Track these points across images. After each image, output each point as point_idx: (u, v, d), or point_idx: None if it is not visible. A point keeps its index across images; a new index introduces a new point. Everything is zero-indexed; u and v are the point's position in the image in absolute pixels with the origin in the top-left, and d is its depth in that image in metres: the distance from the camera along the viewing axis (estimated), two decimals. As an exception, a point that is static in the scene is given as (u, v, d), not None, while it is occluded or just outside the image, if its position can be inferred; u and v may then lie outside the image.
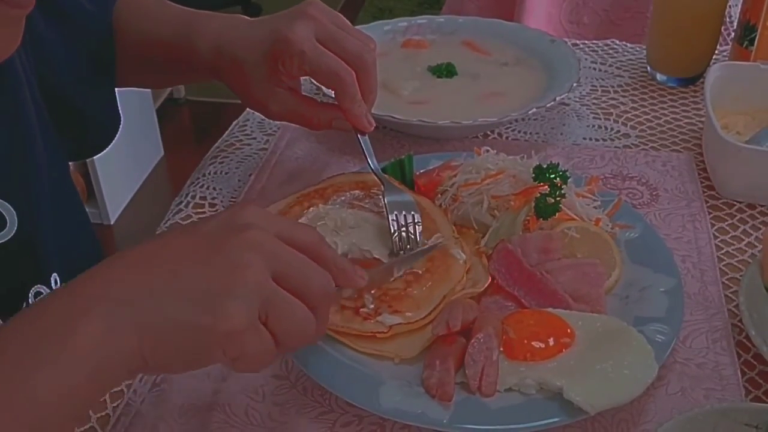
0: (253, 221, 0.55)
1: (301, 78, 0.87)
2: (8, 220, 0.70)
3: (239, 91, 0.85)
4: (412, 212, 0.78)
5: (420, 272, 0.74)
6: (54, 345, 0.50)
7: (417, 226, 0.78)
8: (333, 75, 0.80)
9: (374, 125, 0.84)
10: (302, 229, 0.58)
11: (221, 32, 0.85)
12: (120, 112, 0.93)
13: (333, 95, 0.84)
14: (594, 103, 1.10)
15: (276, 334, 0.53)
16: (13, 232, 0.71)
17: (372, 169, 0.84)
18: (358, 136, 0.85)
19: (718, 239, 0.85)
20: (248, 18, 0.87)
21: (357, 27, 0.98)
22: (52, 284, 0.75)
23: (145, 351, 0.51)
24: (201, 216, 0.91)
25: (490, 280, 0.74)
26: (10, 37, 0.58)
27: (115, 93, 0.92)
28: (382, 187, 0.81)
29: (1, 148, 0.72)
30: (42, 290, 0.74)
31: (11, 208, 0.71)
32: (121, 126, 0.94)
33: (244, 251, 0.53)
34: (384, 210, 0.79)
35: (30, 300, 0.73)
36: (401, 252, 0.76)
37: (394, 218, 0.78)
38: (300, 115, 0.86)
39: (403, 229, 0.77)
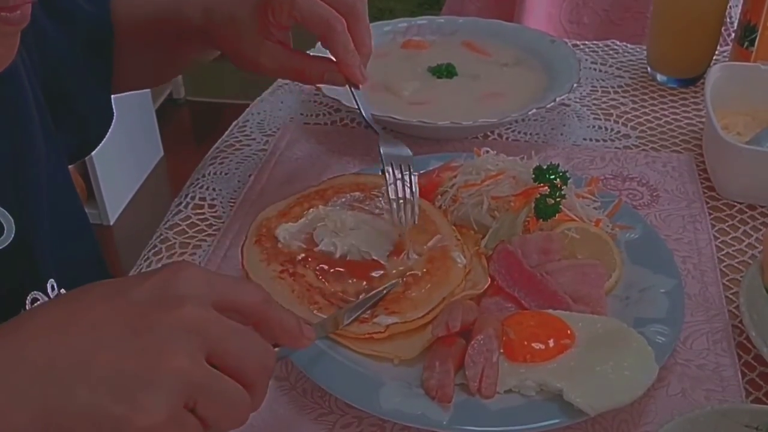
0: (189, 291, 0.50)
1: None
2: (6, 228, 0.70)
3: (230, 50, 0.84)
4: (408, 163, 0.76)
5: (419, 274, 0.74)
6: None
7: (413, 177, 0.75)
8: (323, 22, 0.77)
9: (368, 79, 0.82)
10: (246, 289, 0.53)
11: None
12: (113, 108, 0.93)
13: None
14: (594, 104, 1.10)
15: (206, 419, 0.49)
16: (11, 239, 0.70)
17: (366, 120, 0.82)
18: (352, 89, 0.82)
19: (719, 240, 0.85)
20: None
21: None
22: (49, 290, 0.75)
23: None
24: (200, 217, 0.91)
25: (489, 281, 0.74)
26: (7, 48, 0.58)
27: (110, 91, 0.92)
28: (379, 136, 0.80)
29: (1, 156, 0.71)
30: (39, 296, 0.74)
31: (9, 215, 0.71)
32: (121, 126, 0.94)
33: (173, 333, 0.48)
34: (380, 161, 0.77)
35: (27, 306, 0.73)
36: (400, 202, 0.74)
37: (390, 168, 0.75)
38: (292, 69, 0.84)
39: (399, 179, 0.75)
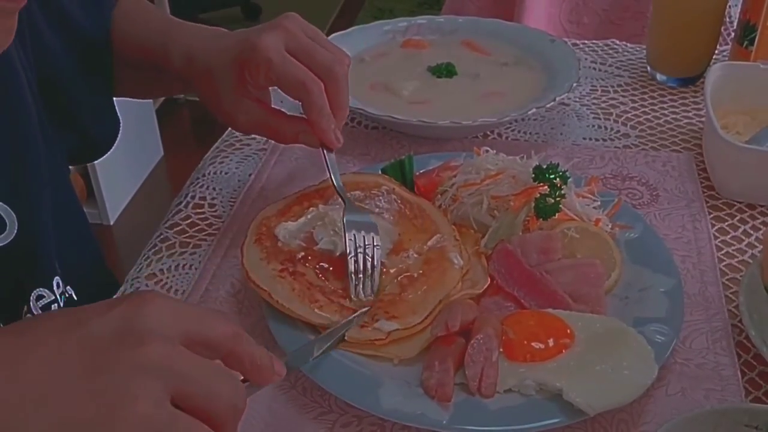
0: (153, 327, 0.46)
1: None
2: (8, 223, 0.70)
3: (209, 101, 0.84)
4: (372, 234, 0.74)
5: (415, 275, 0.74)
6: None
7: (375, 249, 0.73)
8: (299, 84, 0.76)
9: (341, 142, 0.80)
10: (215, 322, 0.49)
11: (193, 41, 0.84)
12: (119, 117, 0.93)
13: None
14: (594, 103, 1.10)
15: None
16: (13, 235, 0.70)
17: (335, 188, 0.80)
18: (324, 152, 0.81)
19: (718, 239, 0.85)
20: (223, 29, 0.86)
21: (357, 27, 0.98)
22: (54, 288, 0.75)
23: None
24: (200, 217, 0.91)
25: (489, 281, 0.74)
26: (4, 31, 0.57)
27: (113, 99, 0.92)
28: (344, 205, 0.78)
29: (1, 152, 0.71)
30: (43, 293, 0.74)
31: (11, 211, 0.71)
32: (121, 126, 0.94)
33: (135, 373, 0.44)
34: (342, 230, 0.75)
35: (31, 303, 0.73)
36: (359, 278, 0.72)
37: (352, 238, 0.73)
38: (267, 127, 0.83)
39: (360, 250, 0.73)
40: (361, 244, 0.73)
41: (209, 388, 0.47)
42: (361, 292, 0.72)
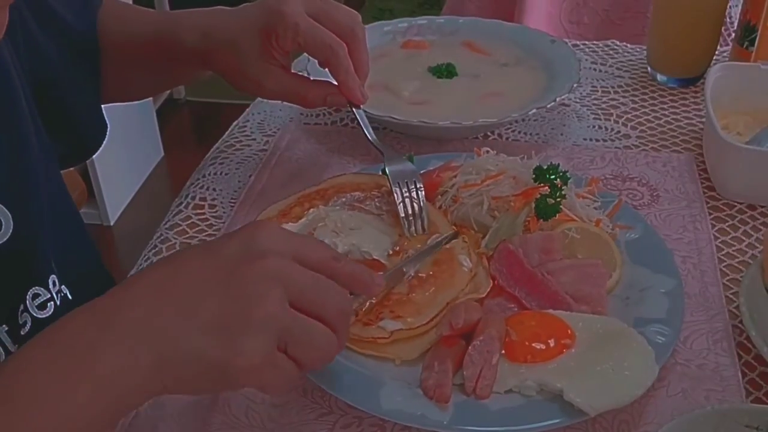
0: (270, 246, 0.55)
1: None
2: (3, 224, 0.70)
3: (231, 73, 0.86)
4: (414, 180, 0.81)
5: (423, 276, 0.74)
6: (76, 373, 0.51)
7: (419, 192, 0.80)
8: (326, 47, 0.81)
9: (368, 97, 0.86)
10: (315, 246, 0.58)
11: (206, 20, 0.87)
12: (105, 118, 0.94)
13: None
14: (594, 104, 1.10)
15: (298, 359, 0.54)
16: (9, 235, 0.70)
17: (370, 141, 0.86)
18: (354, 109, 0.86)
19: (719, 240, 0.85)
20: (229, 8, 0.88)
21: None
22: (50, 286, 0.75)
23: (166, 381, 0.53)
24: (201, 217, 0.91)
25: (491, 284, 0.74)
26: None
27: (100, 101, 0.92)
28: (383, 156, 0.84)
29: None
30: (39, 292, 0.74)
31: (6, 210, 0.71)
32: (121, 127, 0.94)
33: (261, 281, 0.53)
34: (387, 181, 0.81)
35: (28, 302, 0.73)
36: (410, 220, 0.79)
37: (397, 186, 0.80)
38: (294, 93, 0.87)
39: (407, 196, 0.79)
40: (407, 191, 0.80)
41: (321, 295, 0.56)
42: (414, 232, 0.79)
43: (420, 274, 0.74)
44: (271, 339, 0.53)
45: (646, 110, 1.08)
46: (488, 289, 0.74)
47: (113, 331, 0.53)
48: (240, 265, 0.54)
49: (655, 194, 0.91)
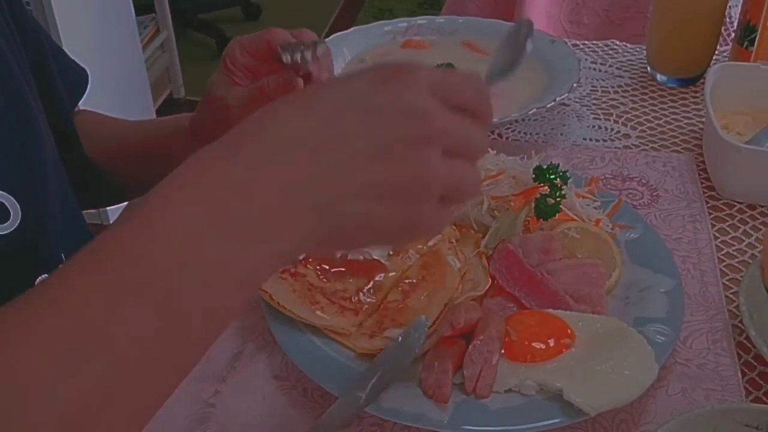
0: (422, 104, 0.51)
1: None
2: (12, 212, 0.70)
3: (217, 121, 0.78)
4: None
5: (415, 281, 0.74)
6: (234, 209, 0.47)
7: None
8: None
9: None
10: (467, 84, 0.55)
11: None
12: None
13: None
14: (594, 104, 1.10)
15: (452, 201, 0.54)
16: (17, 223, 0.70)
17: None
18: None
19: (719, 240, 0.85)
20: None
21: (357, 27, 0.98)
22: None
23: (322, 233, 0.49)
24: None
25: (490, 282, 0.74)
26: None
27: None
28: None
29: (3, 141, 0.71)
30: None
31: (14, 199, 0.71)
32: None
33: (422, 146, 0.51)
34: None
35: None
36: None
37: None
38: (257, 91, 0.76)
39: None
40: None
41: (470, 140, 0.55)
42: (299, 58, 0.68)
43: (411, 280, 0.74)
44: (437, 190, 0.52)
45: (646, 110, 1.08)
46: (487, 287, 0.74)
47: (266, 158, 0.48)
48: (398, 128, 0.50)
49: (654, 194, 0.91)
